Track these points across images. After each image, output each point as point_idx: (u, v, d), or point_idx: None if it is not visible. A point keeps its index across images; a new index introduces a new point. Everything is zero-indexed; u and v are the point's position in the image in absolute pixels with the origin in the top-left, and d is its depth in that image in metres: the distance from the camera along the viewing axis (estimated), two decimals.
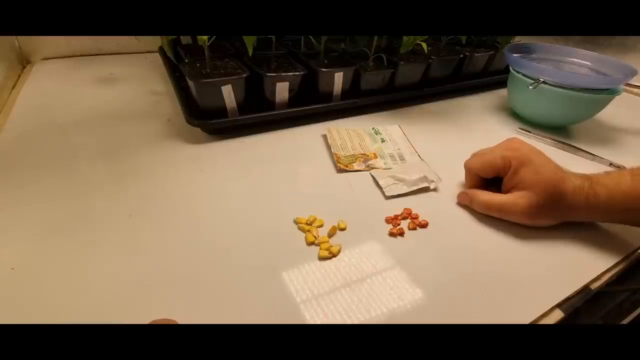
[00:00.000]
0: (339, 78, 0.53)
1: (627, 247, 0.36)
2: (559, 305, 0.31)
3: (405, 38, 0.56)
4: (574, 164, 0.45)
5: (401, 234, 0.36)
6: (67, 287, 0.28)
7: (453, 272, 0.32)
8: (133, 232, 0.33)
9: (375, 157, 0.47)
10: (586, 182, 0.34)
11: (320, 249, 0.33)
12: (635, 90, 0.77)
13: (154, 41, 0.75)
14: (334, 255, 0.33)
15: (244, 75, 0.47)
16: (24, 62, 0.68)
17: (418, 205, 0.39)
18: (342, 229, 0.36)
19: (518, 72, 0.58)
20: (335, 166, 0.45)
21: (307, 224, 0.36)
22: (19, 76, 0.63)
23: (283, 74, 0.49)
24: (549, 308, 0.30)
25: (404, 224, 0.37)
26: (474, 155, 0.40)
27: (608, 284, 0.34)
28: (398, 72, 0.59)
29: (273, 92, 0.50)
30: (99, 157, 0.43)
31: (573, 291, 0.32)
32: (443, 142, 0.53)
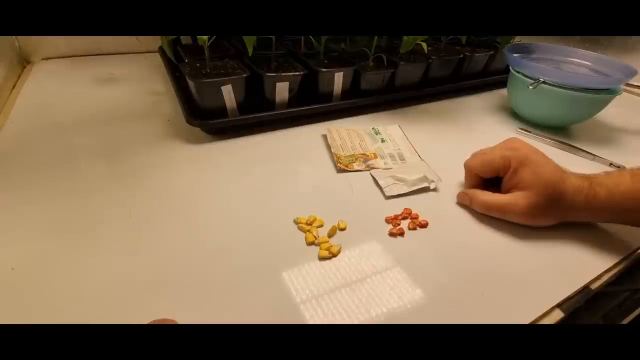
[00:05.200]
0: (339, 78, 0.53)
1: (627, 247, 0.36)
2: (559, 305, 0.31)
3: (405, 38, 0.56)
4: (574, 164, 0.45)
5: (401, 234, 0.36)
6: (67, 287, 0.28)
7: (453, 272, 0.32)
8: (133, 232, 0.33)
9: (375, 157, 0.47)
10: (586, 182, 0.34)
11: (320, 249, 0.33)
12: (635, 90, 0.77)
13: (154, 41, 0.75)
14: (334, 255, 0.33)
15: (244, 75, 0.47)
16: (24, 62, 0.68)
17: (418, 205, 0.39)
18: (342, 229, 0.36)
19: (518, 72, 0.58)
20: (335, 166, 0.45)
21: (307, 224, 0.36)
22: (19, 76, 0.63)
23: (283, 74, 0.49)
24: (549, 308, 0.30)
25: (404, 224, 0.37)
26: (474, 155, 0.40)
27: (608, 284, 0.34)
28: (398, 72, 0.59)
29: (273, 92, 0.50)
30: (99, 157, 0.43)
31: (573, 291, 0.32)
32: (443, 142, 0.53)
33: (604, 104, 0.55)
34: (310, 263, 0.32)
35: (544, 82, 0.54)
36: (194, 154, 0.45)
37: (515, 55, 0.60)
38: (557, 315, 0.30)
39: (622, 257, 0.35)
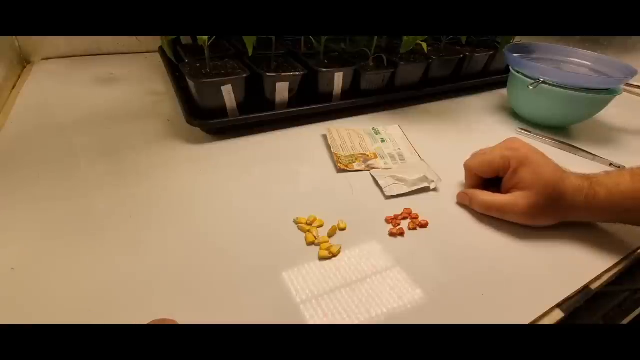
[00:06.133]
0: (339, 78, 0.53)
1: (627, 247, 0.36)
2: (559, 305, 0.31)
3: (405, 38, 0.56)
4: (574, 164, 0.45)
5: (401, 234, 0.36)
6: (67, 287, 0.28)
7: (453, 272, 0.32)
8: (133, 232, 0.33)
9: (375, 157, 0.47)
10: (586, 182, 0.34)
11: (320, 249, 0.33)
12: (635, 90, 0.77)
13: (154, 41, 0.75)
14: (334, 255, 0.33)
15: (244, 75, 0.47)
16: (24, 62, 0.68)
17: (418, 205, 0.39)
18: (342, 229, 0.36)
19: (518, 72, 0.58)
20: (335, 166, 0.45)
21: (307, 224, 0.36)
22: (19, 76, 0.63)
23: (283, 74, 0.49)
24: (549, 308, 0.30)
25: (404, 224, 0.37)
26: (474, 155, 0.40)
27: (608, 284, 0.34)
28: (398, 72, 0.59)
29: (273, 92, 0.50)
30: (99, 157, 0.43)
31: (573, 291, 0.32)
32: (443, 142, 0.53)
33: (604, 104, 0.55)
34: (310, 263, 0.32)
35: (544, 82, 0.54)
36: (194, 154, 0.45)
37: (515, 55, 0.60)
38: (557, 315, 0.30)
39: (622, 257, 0.35)
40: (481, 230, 0.37)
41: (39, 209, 0.35)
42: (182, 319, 0.25)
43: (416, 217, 0.38)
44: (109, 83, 0.62)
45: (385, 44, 0.65)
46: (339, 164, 0.45)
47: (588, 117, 0.58)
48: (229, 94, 0.47)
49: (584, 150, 0.52)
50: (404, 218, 0.38)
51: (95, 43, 0.73)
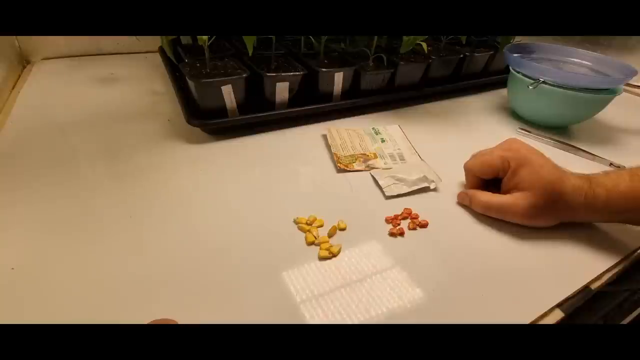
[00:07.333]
0: (339, 78, 0.53)
1: (627, 247, 0.36)
2: (559, 305, 0.31)
3: (405, 38, 0.56)
4: (574, 164, 0.45)
5: (401, 234, 0.36)
6: (67, 287, 0.28)
7: (453, 272, 0.32)
8: (133, 232, 0.33)
9: (375, 157, 0.47)
10: (585, 182, 0.34)
11: (320, 249, 0.33)
12: (635, 90, 0.77)
13: (154, 41, 0.75)
14: (334, 255, 0.33)
15: (244, 75, 0.47)
16: (24, 62, 0.68)
17: (418, 205, 0.39)
18: (342, 229, 0.36)
19: (518, 72, 0.58)
20: (335, 166, 0.45)
21: (307, 224, 0.36)
22: (19, 76, 0.63)
23: (283, 74, 0.49)
24: (549, 308, 0.30)
25: (404, 224, 0.37)
26: (474, 156, 0.40)
27: (608, 284, 0.34)
28: (398, 72, 0.59)
29: (273, 92, 0.50)
30: (99, 157, 0.43)
31: (573, 291, 0.32)
32: (443, 142, 0.53)
33: (604, 104, 0.55)
34: (310, 263, 0.32)
35: (544, 82, 0.54)
36: (194, 154, 0.45)
37: (515, 55, 0.60)
38: (557, 315, 0.30)
39: (622, 257, 0.35)
40: (481, 230, 0.37)
41: (39, 208, 0.35)
42: (182, 319, 0.25)
43: (416, 217, 0.38)
44: (109, 83, 0.62)
45: (385, 44, 0.65)
46: (339, 164, 0.45)
47: (588, 117, 0.58)
48: (229, 94, 0.47)
49: (584, 150, 0.52)
50: (404, 218, 0.38)
51: (95, 43, 0.73)
